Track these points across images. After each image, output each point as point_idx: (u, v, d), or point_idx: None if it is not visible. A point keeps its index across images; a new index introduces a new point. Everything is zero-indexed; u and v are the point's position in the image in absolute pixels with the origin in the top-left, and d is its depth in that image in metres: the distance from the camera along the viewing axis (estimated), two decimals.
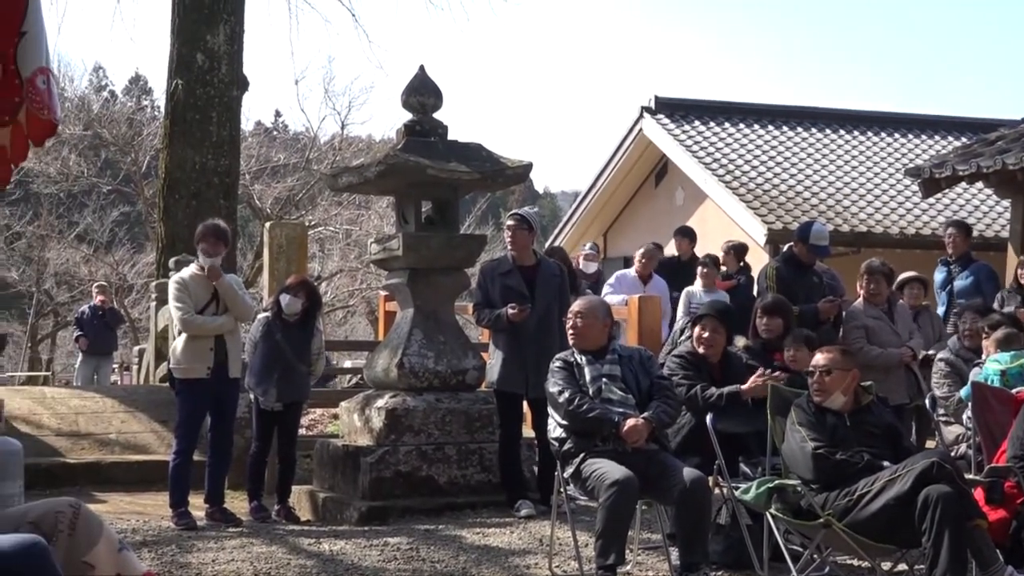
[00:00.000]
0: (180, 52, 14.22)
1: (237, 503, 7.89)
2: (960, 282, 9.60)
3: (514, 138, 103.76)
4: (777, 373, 6.07)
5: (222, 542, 6.53)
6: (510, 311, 7.28)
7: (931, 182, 11.75)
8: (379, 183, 8.08)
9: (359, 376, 13.84)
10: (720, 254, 10.96)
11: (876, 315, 8.13)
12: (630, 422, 5.34)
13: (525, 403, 7.60)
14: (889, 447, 5.30)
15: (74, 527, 3.33)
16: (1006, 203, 13.03)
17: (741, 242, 11.63)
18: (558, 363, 5.67)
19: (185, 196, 14.03)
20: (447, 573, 5.68)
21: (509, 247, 7.63)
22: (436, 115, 7.98)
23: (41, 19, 3.02)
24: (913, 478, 4.83)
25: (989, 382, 6.37)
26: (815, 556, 5.33)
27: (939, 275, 9.90)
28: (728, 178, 16.73)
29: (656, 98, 18.28)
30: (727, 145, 17.84)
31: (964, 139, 17.26)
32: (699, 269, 10.30)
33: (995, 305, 8.57)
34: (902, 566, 5.45)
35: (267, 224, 11.80)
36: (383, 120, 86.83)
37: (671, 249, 12.26)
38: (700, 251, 11.35)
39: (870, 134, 19.25)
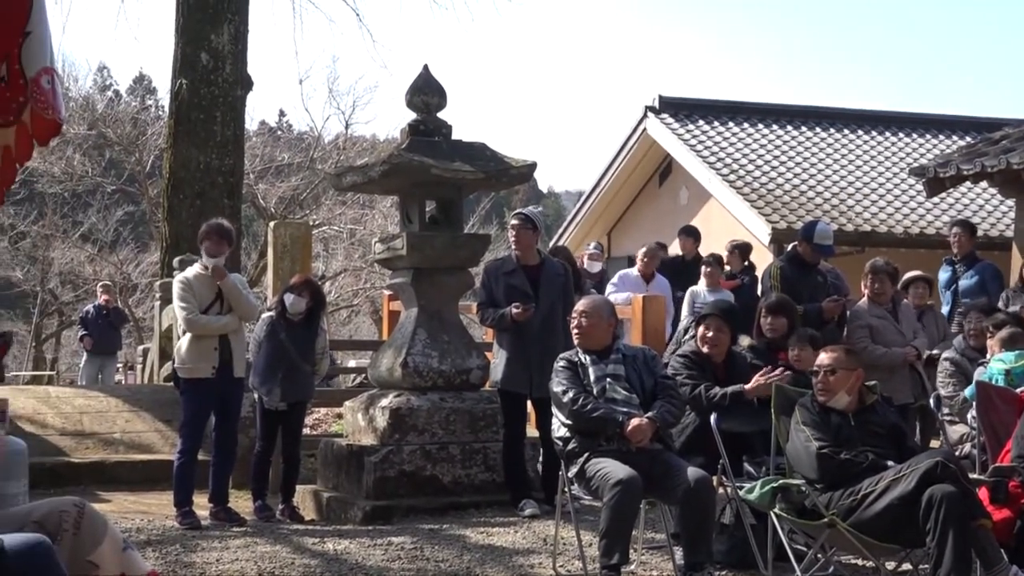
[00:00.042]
0: (184, 52, 14.25)
1: (241, 502, 7.90)
2: (965, 281, 9.57)
3: (518, 138, 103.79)
4: (781, 372, 6.06)
5: (226, 541, 6.53)
6: (514, 310, 7.27)
7: (935, 181, 11.71)
8: (383, 183, 8.07)
9: (363, 375, 13.88)
10: (724, 253, 10.97)
11: (880, 315, 8.13)
12: (634, 422, 5.33)
13: (529, 403, 7.60)
14: (893, 447, 5.29)
15: (78, 526, 3.32)
16: (1010, 202, 13.00)
17: (745, 241, 11.64)
18: (562, 363, 5.65)
19: (189, 195, 14.06)
20: (451, 572, 5.68)
21: (513, 246, 7.62)
22: (440, 115, 7.97)
23: (45, 19, 3.01)
24: (917, 478, 4.83)
25: (993, 381, 6.34)
26: (819, 556, 5.32)
27: (944, 274, 9.87)
28: (732, 177, 16.70)
29: (660, 97, 18.21)
30: (731, 144, 17.80)
31: (968, 138, 17.21)
32: (703, 268, 10.31)
33: (1000, 304, 8.55)
34: (906, 566, 5.44)
35: (271, 223, 11.81)
36: (387, 120, 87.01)
37: (675, 248, 12.27)
38: (704, 250, 11.36)
39: (874, 133, 19.21)
